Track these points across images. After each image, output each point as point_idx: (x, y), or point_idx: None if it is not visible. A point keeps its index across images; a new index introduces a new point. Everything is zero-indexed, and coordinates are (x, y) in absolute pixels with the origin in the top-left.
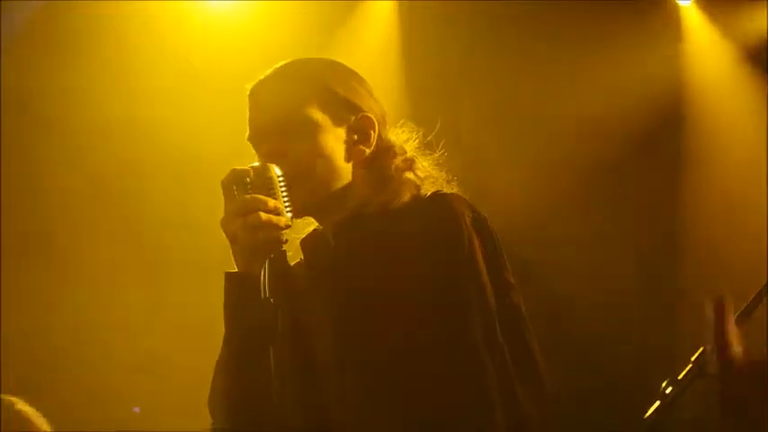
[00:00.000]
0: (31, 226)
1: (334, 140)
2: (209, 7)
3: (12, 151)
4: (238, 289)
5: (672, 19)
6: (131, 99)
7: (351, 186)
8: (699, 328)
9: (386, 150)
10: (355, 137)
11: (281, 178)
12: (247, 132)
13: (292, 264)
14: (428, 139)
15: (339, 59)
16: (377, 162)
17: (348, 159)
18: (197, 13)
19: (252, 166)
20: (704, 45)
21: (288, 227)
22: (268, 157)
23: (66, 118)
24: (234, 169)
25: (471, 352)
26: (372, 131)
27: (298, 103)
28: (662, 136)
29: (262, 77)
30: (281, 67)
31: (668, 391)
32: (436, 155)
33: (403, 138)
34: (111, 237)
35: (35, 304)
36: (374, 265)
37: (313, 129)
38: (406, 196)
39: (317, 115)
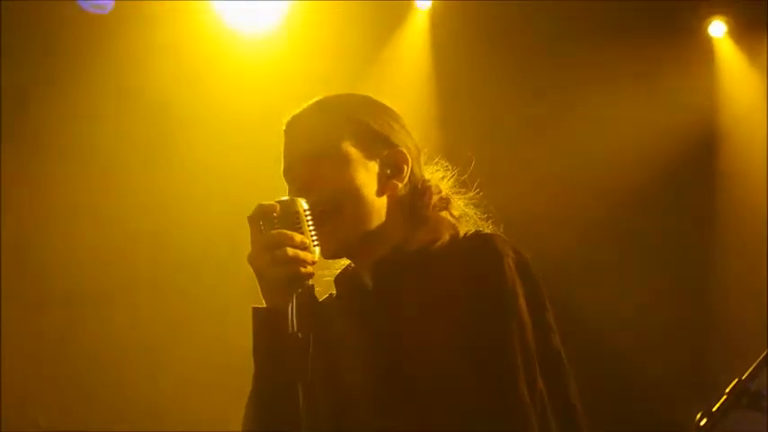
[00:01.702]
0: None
1: (366, 174)
2: (242, 36)
3: (23, 174)
4: (266, 324)
5: (705, 50)
6: (159, 129)
7: (386, 225)
8: (732, 358)
9: (422, 189)
10: (388, 171)
11: (307, 212)
12: (282, 167)
13: (322, 298)
14: (463, 178)
15: (372, 91)
16: (413, 201)
17: (381, 194)
18: (230, 41)
19: (278, 201)
20: (737, 76)
21: (314, 262)
22: (300, 192)
23: (90, 143)
24: (260, 204)
25: (513, 396)
26: (405, 166)
27: (330, 138)
28: (695, 164)
29: (296, 112)
30: (315, 102)
31: (703, 422)
32: (471, 194)
33: (438, 176)
34: (139, 269)
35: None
36: (416, 307)
37: (345, 163)
38: (445, 237)
39: (350, 150)
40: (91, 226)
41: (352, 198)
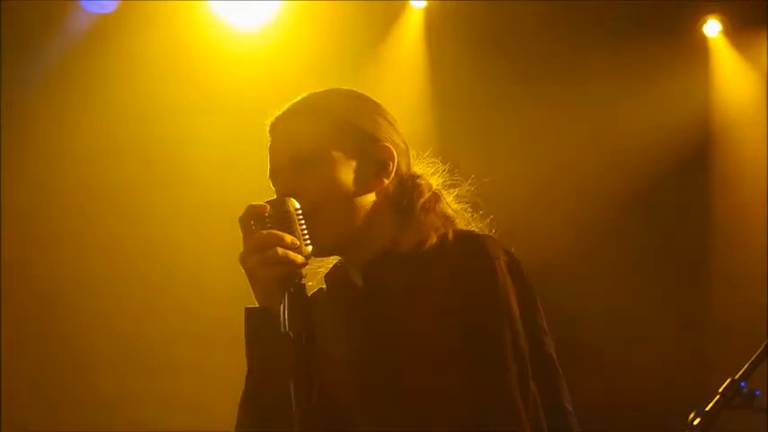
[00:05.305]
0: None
1: (352, 175)
2: (238, 32)
3: (22, 174)
4: (257, 324)
5: (700, 50)
6: (155, 127)
7: (376, 222)
8: (727, 359)
9: (412, 187)
10: (373, 168)
11: (299, 212)
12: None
13: (311, 293)
14: (453, 172)
15: (366, 90)
16: (403, 198)
17: (367, 191)
18: (224, 38)
19: (269, 201)
20: (732, 75)
21: (305, 264)
22: (284, 194)
23: (87, 143)
24: (251, 205)
25: (505, 400)
26: (391, 162)
27: (313, 139)
28: (691, 164)
29: (279, 113)
30: (298, 102)
31: (696, 422)
32: (458, 190)
33: (429, 171)
34: (132, 265)
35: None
36: (407, 309)
37: (330, 169)
38: (436, 236)
39: (333, 150)
40: (91, 225)
41: (339, 201)
